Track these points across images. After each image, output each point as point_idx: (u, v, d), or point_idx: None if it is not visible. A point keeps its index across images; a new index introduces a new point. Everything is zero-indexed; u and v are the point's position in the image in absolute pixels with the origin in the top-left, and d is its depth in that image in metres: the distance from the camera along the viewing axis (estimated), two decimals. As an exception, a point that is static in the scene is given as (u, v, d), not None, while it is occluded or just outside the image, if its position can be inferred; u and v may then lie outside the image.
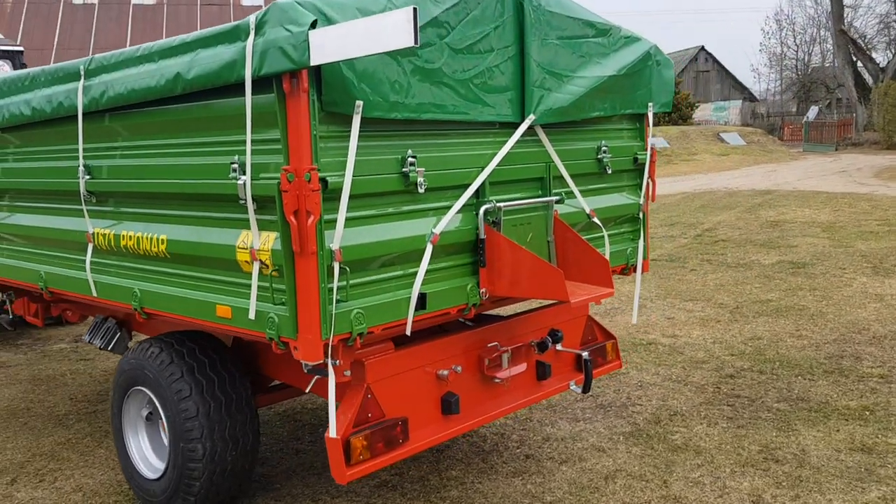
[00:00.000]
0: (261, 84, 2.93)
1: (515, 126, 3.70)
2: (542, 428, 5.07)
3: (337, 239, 2.97)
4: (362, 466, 3.28)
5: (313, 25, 2.73)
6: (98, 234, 4.01)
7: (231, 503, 4.04)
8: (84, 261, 4.13)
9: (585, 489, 4.21)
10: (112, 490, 4.41)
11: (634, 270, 4.55)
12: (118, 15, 31.30)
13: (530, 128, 3.75)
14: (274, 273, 3.08)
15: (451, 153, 3.45)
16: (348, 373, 3.35)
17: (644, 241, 4.57)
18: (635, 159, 4.45)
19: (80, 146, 3.96)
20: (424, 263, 3.31)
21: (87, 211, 4.07)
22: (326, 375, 3.15)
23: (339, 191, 2.96)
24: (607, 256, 4.17)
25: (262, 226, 3.09)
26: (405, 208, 3.30)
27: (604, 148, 4.22)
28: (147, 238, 3.69)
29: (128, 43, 29.42)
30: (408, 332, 3.32)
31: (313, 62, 2.72)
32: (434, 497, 4.19)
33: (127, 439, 4.15)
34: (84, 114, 3.87)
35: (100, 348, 4.85)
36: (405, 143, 3.26)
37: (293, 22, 2.76)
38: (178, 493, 3.79)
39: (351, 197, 3.00)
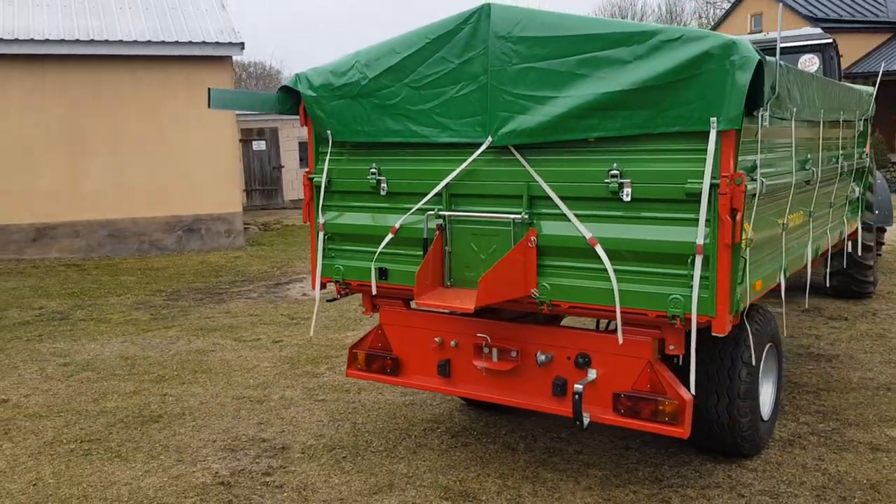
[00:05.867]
0: None
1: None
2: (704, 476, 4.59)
3: (320, 216, 4.75)
4: (360, 373, 4.95)
5: (297, 83, 4.66)
6: None
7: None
8: None
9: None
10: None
11: (682, 325, 3.69)
12: None
13: (504, 148, 4.00)
14: None
15: (408, 167, 4.44)
16: (363, 309, 4.93)
17: (712, 291, 3.60)
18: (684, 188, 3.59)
19: None
20: (381, 246, 4.53)
21: None
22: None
23: (320, 187, 4.70)
24: (615, 293, 3.77)
25: None
26: (372, 204, 4.63)
27: (613, 172, 3.74)
28: None
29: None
30: (373, 292, 4.64)
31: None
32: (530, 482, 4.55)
33: None
34: None
35: None
36: (370, 158, 4.57)
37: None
38: None
39: (329, 192, 4.71)
